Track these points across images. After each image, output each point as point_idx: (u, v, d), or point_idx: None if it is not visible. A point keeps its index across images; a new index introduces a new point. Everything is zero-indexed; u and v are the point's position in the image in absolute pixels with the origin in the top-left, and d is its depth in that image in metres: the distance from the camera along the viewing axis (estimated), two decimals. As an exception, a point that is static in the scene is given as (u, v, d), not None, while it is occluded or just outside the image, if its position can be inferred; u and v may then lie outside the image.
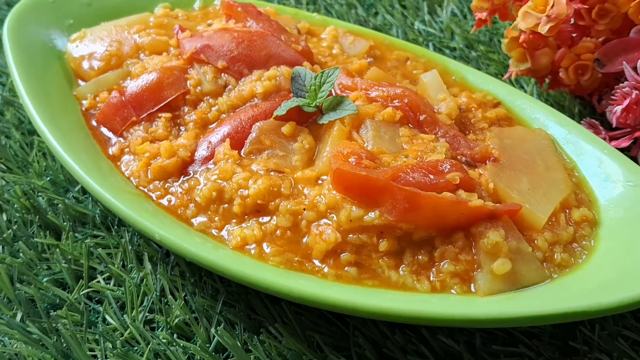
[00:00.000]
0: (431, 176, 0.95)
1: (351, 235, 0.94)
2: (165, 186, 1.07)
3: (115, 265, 1.09)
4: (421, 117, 1.09)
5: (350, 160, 0.97)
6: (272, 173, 1.02)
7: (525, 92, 1.45)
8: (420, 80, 1.18)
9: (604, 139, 1.19)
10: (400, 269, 0.94)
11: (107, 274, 1.09)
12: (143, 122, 1.15)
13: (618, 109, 1.10)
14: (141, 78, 1.16)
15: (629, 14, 1.15)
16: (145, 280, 1.07)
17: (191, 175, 1.07)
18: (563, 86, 1.33)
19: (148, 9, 1.38)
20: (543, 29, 1.13)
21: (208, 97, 1.15)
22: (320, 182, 1.02)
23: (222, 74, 1.16)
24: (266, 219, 1.00)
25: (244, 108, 1.13)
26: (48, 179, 1.23)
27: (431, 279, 0.93)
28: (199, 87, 1.16)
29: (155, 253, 1.11)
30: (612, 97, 1.13)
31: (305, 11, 1.64)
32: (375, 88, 1.12)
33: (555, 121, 1.16)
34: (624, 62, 1.12)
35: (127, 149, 1.13)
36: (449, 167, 0.97)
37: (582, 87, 1.29)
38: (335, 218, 0.96)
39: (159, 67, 1.18)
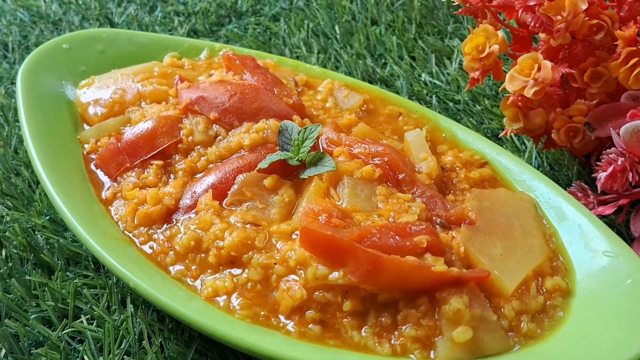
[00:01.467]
0: (397, 238, 0.96)
1: (317, 293, 0.96)
2: (149, 232, 1.11)
3: (100, 306, 1.13)
4: (400, 176, 1.10)
5: (320, 218, 0.99)
6: (248, 226, 1.05)
7: (525, 149, 1.45)
8: (405, 138, 1.20)
9: (592, 203, 1.18)
10: (363, 330, 0.95)
11: (91, 314, 1.13)
12: (136, 169, 1.19)
13: (602, 175, 1.09)
14: (138, 126, 1.21)
15: (619, 79, 1.14)
16: (125, 322, 1.10)
17: (174, 223, 1.11)
18: (558, 146, 1.32)
19: (158, 57, 1.44)
20: (529, 93, 1.13)
21: (199, 147, 1.20)
22: (294, 236, 1.04)
23: (214, 125, 1.21)
24: (239, 271, 1.03)
25: (230, 159, 1.17)
26: (47, 217, 1.29)
27: (392, 342, 0.93)
28: (190, 137, 1.20)
29: (139, 296, 1.15)
30: (597, 162, 1.12)
31: (313, 61, 1.69)
32: (358, 145, 1.14)
33: (539, 184, 1.15)
34: (611, 128, 1.11)
35: (119, 194, 1.18)
36: (417, 229, 0.98)
37: (576, 148, 1.28)
38: (303, 275, 0.97)
39: (155, 116, 1.23)
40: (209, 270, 1.04)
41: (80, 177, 1.22)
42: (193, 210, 1.11)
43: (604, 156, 1.12)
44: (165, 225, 1.11)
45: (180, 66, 1.41)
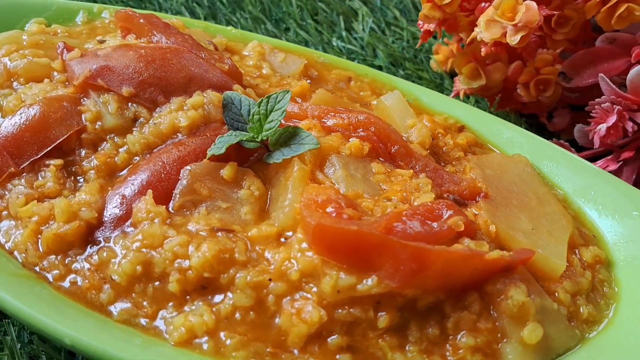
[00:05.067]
0: (433, 224, 0.75)
1: (339, 310, 0.71)
2: (66, 261, 0.77)
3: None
4: (393, 149, 0.88)
5: (328, 210, 0.74)
6: (219, 234, 0.76)
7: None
8: (380, 103, 0.98)
9: (577, 161, 1.06)
10: (407, 348, 0.72)
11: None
12: (25, 174, 0.84)
13: (603, 127, 0.98)
14: (18, 114, 0.85)
15: (597, 19, 1.04)
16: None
17: (101, 243, 0.78)
18: (515, 104, 1.20)
19: (17, 26, 1.06)
20: (513, 40, 0.98)
21: (112, 135, 0.87)
22: (283, 240, 0.78)
23: (129, 104, 0.89)
24: (218, 297, 0.74)
25: (164, 147, 0.86)
26: None
27: (447, 357, 0.72)
28: (98, 122, 0.87)
29: (56, 353, 0.80)
30: (591, 114, 1.01)
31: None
32: (332, 115, 0.91)
33: (529, 144, 1.01)
34: (600, 74, 1.00)
35: (4, 212, 0.82)
36: (447, 210, 0.77)
37: (541, 104, 1.16)
38: (314, 289, 0.72)
39: (41, 99, 0.87)
40: (171, 304, 0.74)
41: None
42: (127, 223, 0.79)
43: (595, 107, 1.01)
44: (88, 249, 0.78)
45: (53, 33, 1.05)
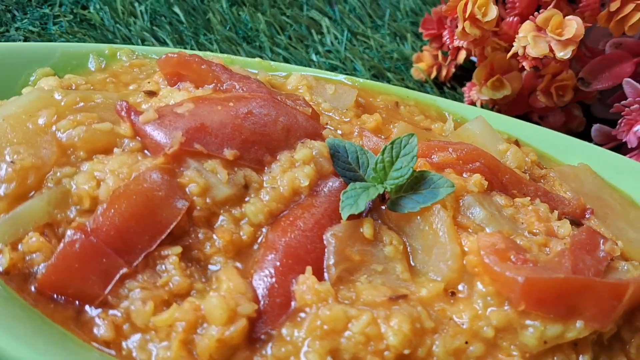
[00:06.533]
0: (597, 254, 0.76)
1: (545, 361, 0.70)
2: (236, 369, 0.66)
3: None
4: (504, 178, 0.87)
5: (512, 259, 0.72)
6: (400, 301, 0.70)
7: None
8: (465, 130, 0.96)
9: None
10: (607, 383, 0.73)
11: None
12: (139, 273, 0.69)
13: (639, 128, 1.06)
14: (114, 200, 0.70)
15: (610, 27, 1.10)
16: None
17: (272, 340, 0.68)
18: (525, 109, 1.25)
19: (19, 79, 0.86)
20: (563, 54, 1.01)
21: (228, 207, 0.75)
22: (451, 294, 0.74)
23: (235, 168, 0.77)
24: (423, 372, 0.69)
25: (288, 212, 0.77)
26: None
27: (640, 383, 0.74)
28: (208, 197, 0.74)
29: None
30: (626, 116, 1.08)
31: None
32: (434, 150, 0.87)
33: (581, 151, 1.06)
34: (625, 79, 1.08)
35: (126, 325, 0.67)
36: (599, 237, 0.79)
37: (545, 107, 1.22)
38: (516, 343, 0.70)
39: (127, 175, 0.72)
40: (370, 389, 0.67)
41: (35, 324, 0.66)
42: (290, 309, 0.70)
43: (625, 109, 1.08)
44: (260, 349, 0.68)
45: (75, 87, 0.87)
